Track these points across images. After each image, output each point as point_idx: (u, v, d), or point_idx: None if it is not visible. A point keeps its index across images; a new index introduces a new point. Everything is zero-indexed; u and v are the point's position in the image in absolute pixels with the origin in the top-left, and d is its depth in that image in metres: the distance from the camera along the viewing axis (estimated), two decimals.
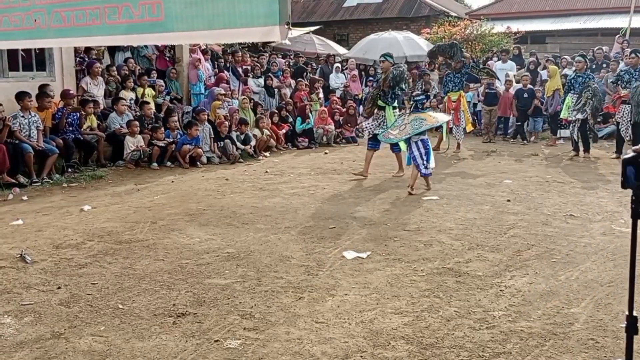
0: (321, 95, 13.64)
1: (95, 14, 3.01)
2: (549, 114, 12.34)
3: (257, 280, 4.34)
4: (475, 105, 13.76)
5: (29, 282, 4.31)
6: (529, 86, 12.61)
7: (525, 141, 12.47)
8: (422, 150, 7.57)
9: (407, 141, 7.69)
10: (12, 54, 9.01)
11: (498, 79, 12.76)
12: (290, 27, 2.40)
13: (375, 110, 8.69)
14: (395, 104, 8.64)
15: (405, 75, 8.75)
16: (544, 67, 13.63)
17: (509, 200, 6.91)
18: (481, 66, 12.99)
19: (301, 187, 7.97)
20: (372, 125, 8.77)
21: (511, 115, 12.99)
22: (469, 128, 11.52)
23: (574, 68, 11.17)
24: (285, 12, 2.40)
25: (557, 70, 12.49)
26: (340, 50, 18.49)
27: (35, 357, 3.20)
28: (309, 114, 12.53)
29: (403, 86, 8.57)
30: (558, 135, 12.24)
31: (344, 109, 13.30)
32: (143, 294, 4.08)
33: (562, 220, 6.00)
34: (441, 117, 8.89)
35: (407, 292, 4.09)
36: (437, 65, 14.57)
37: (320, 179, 8.61)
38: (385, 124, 8.42)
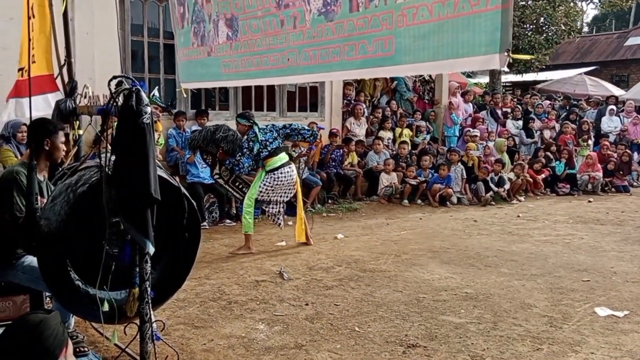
0: (591, 140, 12.60)
1: (336, 52, 3.38)
2: None
3: (492, 324, 4.18)
4: None
5: (283, 296, 4.82)
6: None
7: None
8: None
9: None
10: (290, 97, 10.34)
11: None
12: (510, 55, 2.37)
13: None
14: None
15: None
16: None
17: None
18: None
19: (555, 234, 7.42)
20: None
21: None
22: None
23: None
24: (506, 39, 2.40)
25: None
26: (616, 91, 16.84)
27: None
28: (574, 158, 11.66)
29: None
30: None
31: (616, 155, 12.04)
32: (378, 321, 4.24)
33: None
34: None
35: None
36: None
37: (579, 228, 7.91)
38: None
